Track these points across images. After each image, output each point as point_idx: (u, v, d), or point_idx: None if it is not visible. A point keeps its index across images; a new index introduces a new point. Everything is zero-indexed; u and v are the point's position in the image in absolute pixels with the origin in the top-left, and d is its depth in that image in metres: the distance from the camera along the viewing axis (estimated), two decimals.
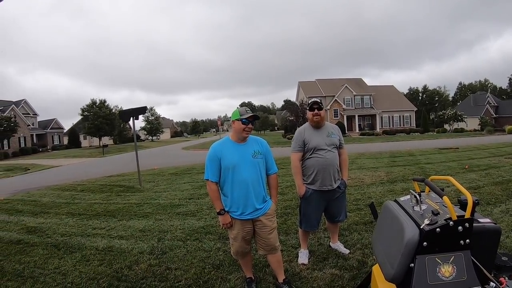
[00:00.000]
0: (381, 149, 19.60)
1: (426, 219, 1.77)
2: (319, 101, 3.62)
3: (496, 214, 5.22)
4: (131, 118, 10.15)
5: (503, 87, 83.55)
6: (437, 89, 77.13)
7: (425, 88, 76.12)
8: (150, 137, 66.73)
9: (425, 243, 1.72)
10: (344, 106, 46.85)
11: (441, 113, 48.67)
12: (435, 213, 1.80)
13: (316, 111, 3.52)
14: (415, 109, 50.09)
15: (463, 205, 2.05)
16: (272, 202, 3.07)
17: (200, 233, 4.91)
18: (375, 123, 47.57)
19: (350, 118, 47.33)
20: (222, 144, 2.94)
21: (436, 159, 13.27)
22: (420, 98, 74.12)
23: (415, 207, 2.05)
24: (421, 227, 1.77)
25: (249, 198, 2.87)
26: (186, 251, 4.23)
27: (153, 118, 65.79)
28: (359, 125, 47.58)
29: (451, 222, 1.72)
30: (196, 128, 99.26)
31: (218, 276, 3.54)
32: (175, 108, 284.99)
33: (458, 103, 68.16)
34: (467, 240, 1.73)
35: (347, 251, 3.96)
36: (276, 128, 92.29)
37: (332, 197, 3.64)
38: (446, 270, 1.71)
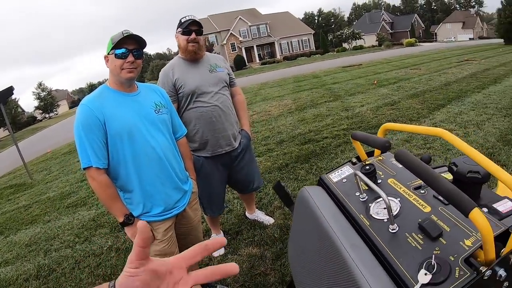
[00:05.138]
0: (285, 76, 19.25)
1: (423, 271, 0.76)
2: (198, 20, 2.29)
3: None
4: None
5: (396, 5, 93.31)
6: (332, 11, 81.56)
7: (320, 11, 79.93)
8: (48, 115, 61.99)
9: None
10: (240, 39, 46.43)
11: (339, 33, 50.74)
12: (435, 234, 0.81)
13: (194, 35, 2.24)
14: (313, 32, 51.89)
15: (460, 178, 0.96)
16: (192, 181, 2.00)
17: (90, 229, 4.15)
18: (275, 50, 48.11)
19: (249, 50, 47.19)
20: (99, 97, 1.62)
21: (341, 78, 13.22)
22: (316, 21, 77.83)
23: (371, 204, 1.01)
24: None
25: (171, 180, 1.76)
26: (75, 263, 3.50)
27: (45, 93, 61.54)
28: (259, 55, 47.87)
29: (487, 272, 0.71)
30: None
31: None
32: (71, 74, 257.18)
33: (354, 23, 72.13)
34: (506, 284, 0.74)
35: (272, 220, 3.07)
36: None
37: (235, 159, 2.55)
38: None
